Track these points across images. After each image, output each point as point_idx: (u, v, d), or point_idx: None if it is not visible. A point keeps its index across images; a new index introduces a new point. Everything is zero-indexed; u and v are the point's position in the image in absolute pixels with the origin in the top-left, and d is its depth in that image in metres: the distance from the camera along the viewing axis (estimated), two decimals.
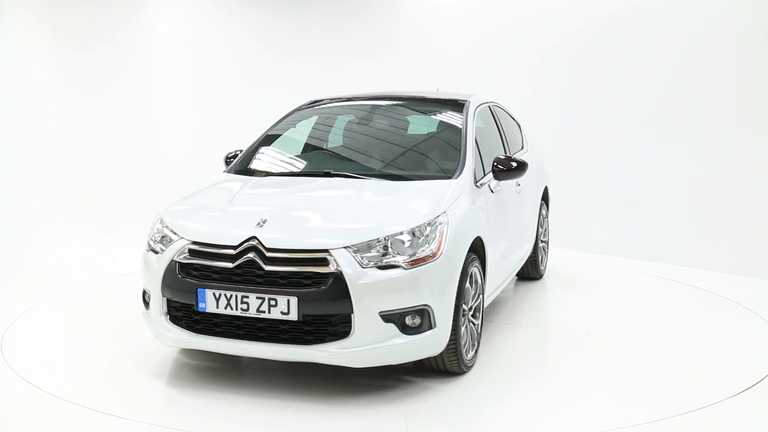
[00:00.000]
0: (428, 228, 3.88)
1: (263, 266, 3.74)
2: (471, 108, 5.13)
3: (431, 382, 4.11)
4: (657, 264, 7.15)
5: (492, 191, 4.77)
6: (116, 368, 4.35)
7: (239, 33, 10.58)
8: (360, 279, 3.66)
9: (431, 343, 3.87)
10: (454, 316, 3.96)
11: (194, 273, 3.90)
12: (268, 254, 3.76)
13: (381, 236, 3.77)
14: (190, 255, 3.93)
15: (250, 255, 3.78)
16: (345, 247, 3.71)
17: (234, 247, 3.82)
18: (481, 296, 4.40)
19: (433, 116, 5.32)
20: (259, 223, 3.89)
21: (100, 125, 9.90)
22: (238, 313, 3.76)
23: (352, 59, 10.33)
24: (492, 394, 4.04)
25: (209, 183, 4.75)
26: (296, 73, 10.38)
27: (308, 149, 5.29)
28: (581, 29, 8.23)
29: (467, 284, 4.12)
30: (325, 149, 5.30)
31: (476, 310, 4.36)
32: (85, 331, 5.04)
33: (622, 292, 6.22)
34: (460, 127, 4.91)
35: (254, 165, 5.00)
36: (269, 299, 3.70)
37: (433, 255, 3.82)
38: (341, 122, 5.43)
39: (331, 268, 3.67)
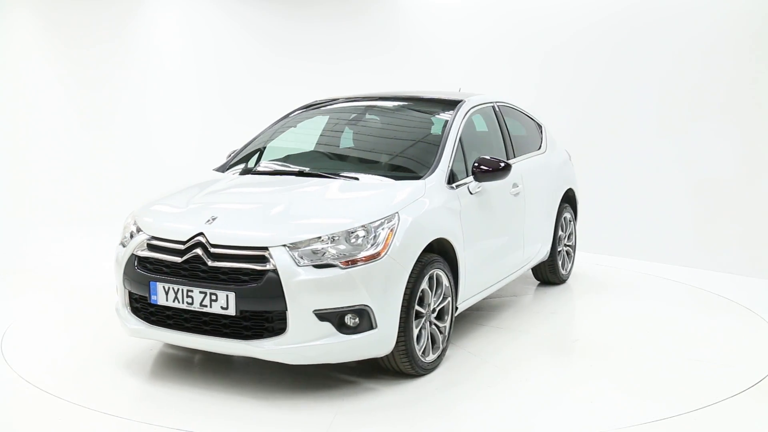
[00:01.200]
0: (373, 228, 3.87)
1: (207, 262, 3.83)
2: (462, 109, 5.06)
3: (378, 383, 4.06)
4: (657, 264, 7.13)
5: (471, 192, 4.67)
6: (116, 368, 4.34)
7: (239, 32, 10.58)
8: (294, 277, 3.70)
9: (373, 344, 3.85)
10: (405, 317, 3.94)
11: (149, 266, 4.04)
12: (212, 250, 3.85)
13: (321, 235, 3.80)
14: (147, 249, 4.06)
15: (197, 251, 3.87)
16: (283, 245, 3.75)
17: (183, 243, 3.93)
18: (450, 298, 4.34)
19: (422, 117, 5.27)
20: (208, 220, 3.98)
21: (100, 125, 9.90)
22: (184, 306, 3.87)
23: (352, 58, 10.33)
24: (439, 398, 3.91)
25: (193, 182, 4.81)
26: (296, 73, 10.38)
27: (298, 150, 5.28)
28: (581, 30, 8.23)
29: (424, 285, 4.07)
30: (315, 150, 5.30)
31: (443, 312, 4.31)
32: (85, 331, 5.03)
33: (625, 294, 6.17)
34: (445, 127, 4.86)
35: (239, 165, 5.07)
36: (210, 294, 3.80)
37: (376, 255, 3.81)
38: (333, 124, 5.43)
39: (269, 266, 3.72)
